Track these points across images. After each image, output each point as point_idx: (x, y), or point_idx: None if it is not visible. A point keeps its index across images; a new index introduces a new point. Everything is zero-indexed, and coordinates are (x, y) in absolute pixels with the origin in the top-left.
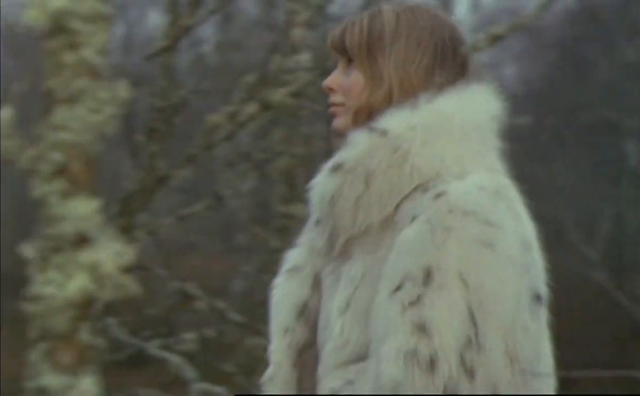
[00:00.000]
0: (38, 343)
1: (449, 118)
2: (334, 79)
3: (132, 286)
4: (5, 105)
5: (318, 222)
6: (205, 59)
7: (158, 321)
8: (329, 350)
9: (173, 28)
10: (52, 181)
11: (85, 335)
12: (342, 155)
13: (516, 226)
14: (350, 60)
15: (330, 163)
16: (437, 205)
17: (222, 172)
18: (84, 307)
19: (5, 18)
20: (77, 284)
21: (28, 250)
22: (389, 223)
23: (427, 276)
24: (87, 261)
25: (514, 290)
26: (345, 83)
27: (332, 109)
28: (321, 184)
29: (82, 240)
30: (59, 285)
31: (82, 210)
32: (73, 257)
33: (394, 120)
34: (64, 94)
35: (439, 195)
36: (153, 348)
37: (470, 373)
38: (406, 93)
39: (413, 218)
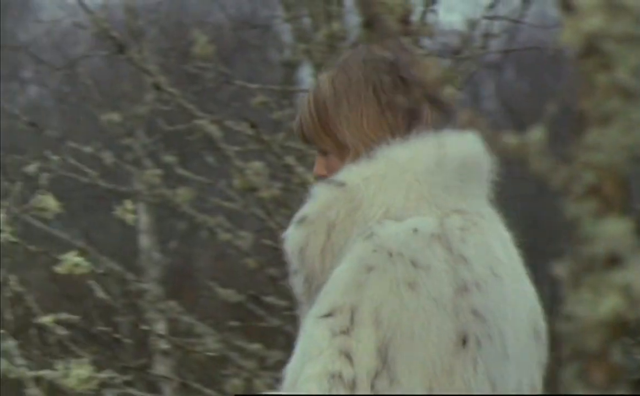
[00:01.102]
0: (571, 362)
1: (401, 166)
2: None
3: None
4: (536, 125)
5: (295, 272)
6: None
7: None
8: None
9: None
10: (584, 201)
11: (616, 355)
12: (306, 208)
13: (453, 269)
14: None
15: (296, 216)
16: (365, 245)
17: None
18: (615, 328)
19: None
20: (609, 305)
21: (560, 269)
22: None
23: (353, 312)
24: (619, 281)
25: (437, 332)
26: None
27: None
28: (291, 236)
29: (613, 261)
30: (590, 305)
31: (614, 230)
32: (604, 277)
33: (351, 173)
34: (596, 114)
35: (369, 236)
36: None
37: None
38: (370, 147)
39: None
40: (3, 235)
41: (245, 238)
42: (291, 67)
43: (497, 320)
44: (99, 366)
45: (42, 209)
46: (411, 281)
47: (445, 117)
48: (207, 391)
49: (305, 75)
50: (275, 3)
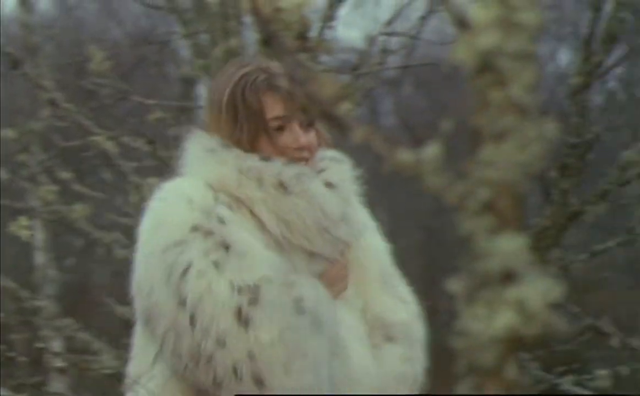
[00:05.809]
0: (465, 378)
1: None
2: (310, 140)
3: (558, 324)
4: (432, 142)
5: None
6: (614, 94)
7: (570, 357)
8: None
9: (586, 65)
10: (479, 217)
11: (511, 371)
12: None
13: None
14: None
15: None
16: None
17: (636, 208)
18: (510, 344)
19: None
20: (503, 320)
21: (454, 285)
22: None
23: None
24: (514, 297)
25: None
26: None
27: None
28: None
29: (508, 277)
30: (485, 321)
31: (509, 246)
32: (499, 293)
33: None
34: (491, 131)
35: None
36: (567, 383)
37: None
38: None
39: None
40: None
41: None
42: (189, 82)
43: None
44: None
45: None
46: None
47: (341, 133)
48: None
49: (203, 90)
50: (173, 19)
